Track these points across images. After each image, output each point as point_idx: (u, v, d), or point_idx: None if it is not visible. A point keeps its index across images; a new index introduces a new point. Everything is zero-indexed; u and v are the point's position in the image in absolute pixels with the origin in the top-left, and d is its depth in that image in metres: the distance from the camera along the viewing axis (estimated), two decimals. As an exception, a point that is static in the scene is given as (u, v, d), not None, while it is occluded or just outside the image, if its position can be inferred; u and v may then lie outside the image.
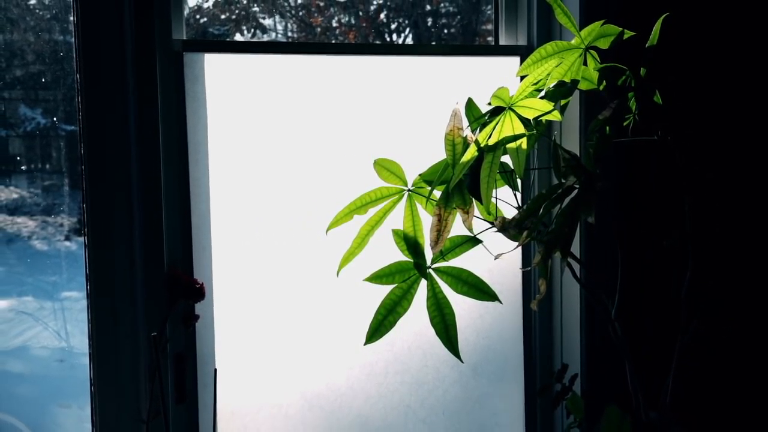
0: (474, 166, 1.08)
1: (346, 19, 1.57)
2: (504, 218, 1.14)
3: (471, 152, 1.08)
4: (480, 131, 1.10)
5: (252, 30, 1.52)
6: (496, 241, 1.22)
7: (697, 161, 1.46)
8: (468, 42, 1.65)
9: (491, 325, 1.46)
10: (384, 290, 1.14)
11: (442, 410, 1.44)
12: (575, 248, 1.40)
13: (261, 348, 1.35)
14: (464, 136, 1.11)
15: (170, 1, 1.26)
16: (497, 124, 1.08)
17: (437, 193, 1.13)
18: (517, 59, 1.44)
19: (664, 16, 1.13)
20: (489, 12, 1.58)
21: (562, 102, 1.14)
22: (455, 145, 1.11)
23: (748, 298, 1.50)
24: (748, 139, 1.48)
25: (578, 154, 1.24)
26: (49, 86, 1.42)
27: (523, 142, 1.10)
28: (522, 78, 1.13)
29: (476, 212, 1.13)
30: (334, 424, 1.39)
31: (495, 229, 1.15)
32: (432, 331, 1.14)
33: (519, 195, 1.22)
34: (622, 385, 1.23)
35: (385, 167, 1.17)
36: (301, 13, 1.54)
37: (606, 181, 1.38)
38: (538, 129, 1.13)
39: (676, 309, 1.21)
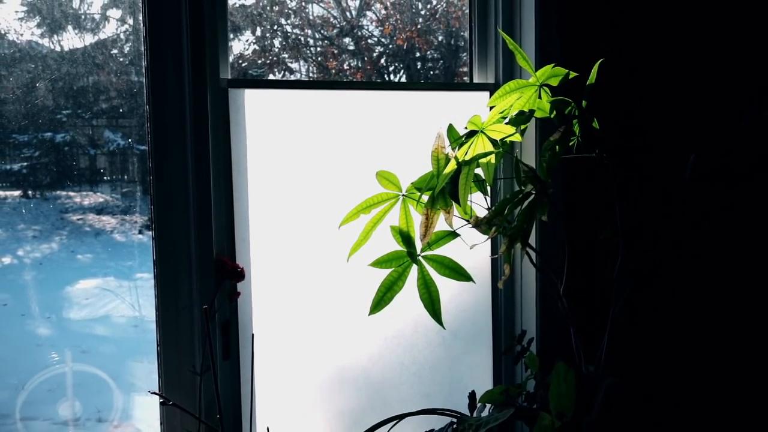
0: (454, 177, 1.09)
1: (355, 63, 1.58)
2: (477, 217, 1.15)
3: (451, 166, 1.09)
4: (458, 149, 1.11)
5: (282, 71, 1.52)
6: (471, 234, 1.23)
7: (626, 173, 1.47)
8: (449, 80, 1.65)
9: (467, 300, 1.47)
10: (383, 273, 1.15)
11: (428, 366, 1.45)
12: (532, 240, 1.40)
13: (287, 318, 1.36)
14: (446, 153, 1.12)
15: (218, 50, 1.26)
16: (472, 143, 1.09)
17: (425, 198, 1.14)
18: (487, 93, 1.44)
19: (600, 61, 1.14)
20: (465, 57, 1.59)
21: (522, 127, 1.14)
22: (439, 160, 1.12)
23: (664, 279, 1.52)
24: (665, 157, 1.49)
25: (534, 168, 1.25)
26: (126, 115, 1.42)
27: (492, 158, 1.11)
28: (491, 108, 1.13)
29: (455, 212, 1.14)
30: (344, 377, 1.40)
31: (470, 225, 1.16)
32: (421, 304, 1.15)
33: (489, 199, 1.23)
34: (567, 346, 1.24)
35: (384, 177, 1.18)
36: (319, 59, 1.55)
37: (556, 188, 1.39)
38: (504, 148, 1.14)
39: (609, 287, 1.22)
